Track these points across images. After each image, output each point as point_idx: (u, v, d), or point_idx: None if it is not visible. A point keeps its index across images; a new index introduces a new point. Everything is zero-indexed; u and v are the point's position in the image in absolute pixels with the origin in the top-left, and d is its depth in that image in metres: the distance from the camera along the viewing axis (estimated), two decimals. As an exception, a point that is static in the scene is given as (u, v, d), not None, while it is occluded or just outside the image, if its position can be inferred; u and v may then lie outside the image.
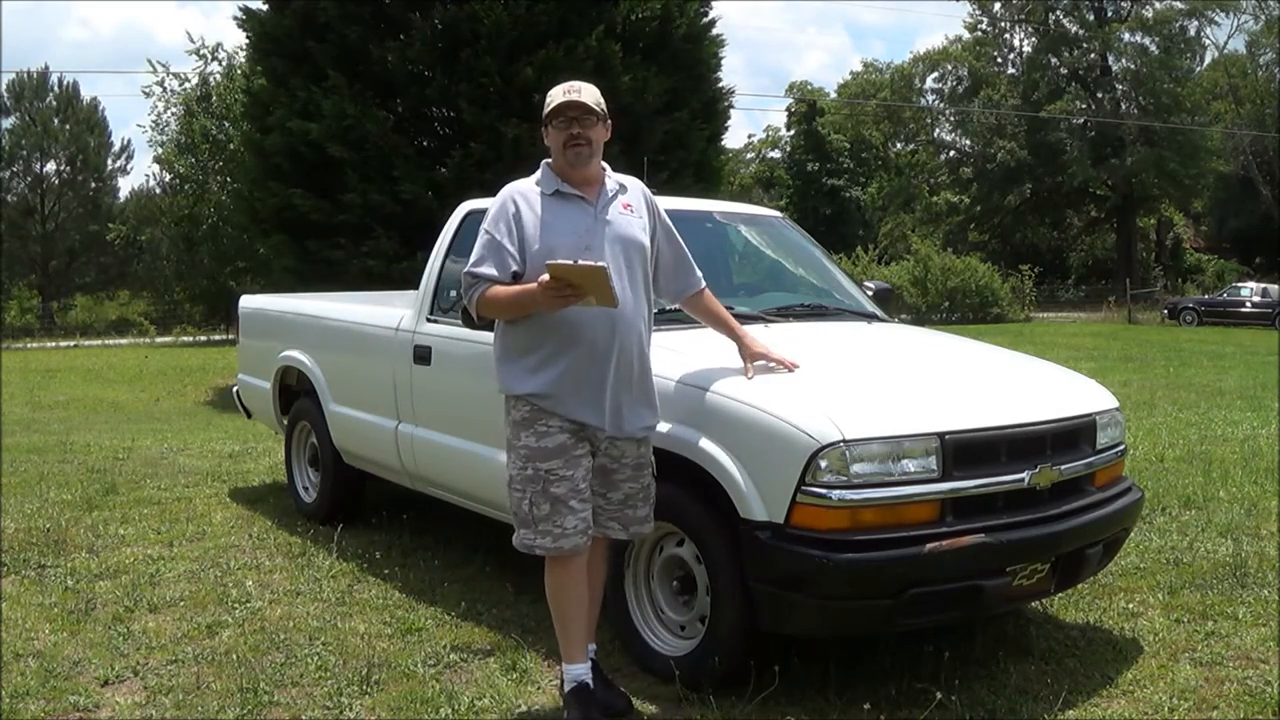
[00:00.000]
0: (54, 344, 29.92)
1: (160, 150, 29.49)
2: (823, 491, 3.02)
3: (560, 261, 2.81)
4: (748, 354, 3.37)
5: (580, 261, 2.81)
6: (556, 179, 3.13)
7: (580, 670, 3.14)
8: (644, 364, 3.14)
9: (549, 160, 3.19)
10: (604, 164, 3.20)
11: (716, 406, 3.28)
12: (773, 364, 3.35)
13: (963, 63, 46.83)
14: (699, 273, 3.41)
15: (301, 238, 12.28)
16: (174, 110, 28.07)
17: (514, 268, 3.03)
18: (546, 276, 2.83)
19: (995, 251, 44.04)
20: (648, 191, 3.30)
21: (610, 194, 3.16)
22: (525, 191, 3.14)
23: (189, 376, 17.63)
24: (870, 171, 52.49)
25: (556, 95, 3.10)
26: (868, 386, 3.45)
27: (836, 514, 3.02)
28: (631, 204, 3.19)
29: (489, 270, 3.03)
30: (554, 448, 3.05)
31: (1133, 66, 43.06)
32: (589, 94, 3.09)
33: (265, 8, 13.02)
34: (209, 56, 26.06)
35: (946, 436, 3.13)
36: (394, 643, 3.83)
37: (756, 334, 3.85)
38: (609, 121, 3.17)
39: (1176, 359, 17.06)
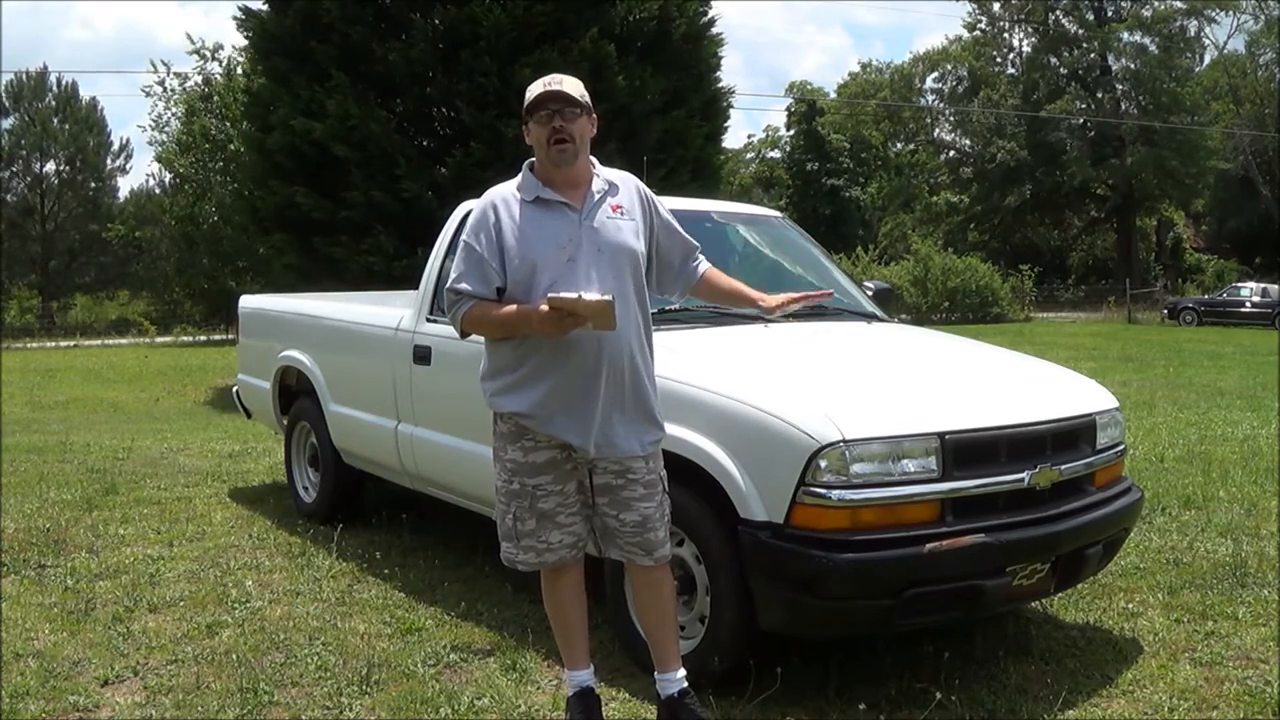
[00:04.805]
0: (54, 344, 29.91)
1: (160, 149, 29.57)
2: (823, 491, 3.01)
3: (563, 295, 2.69)
4: (770, 308, 3.24)
5: (584, 296, 2.68)
6: (538, 184, 2.93)
7: (582, 676, 3.11)
8: (638, 377, 2.94)
9: (531, 161, 2.99)
10: (593, 159, 3.01)
11: (716, 406, 3.27)
12: (797, 305, 3.25)
13: (962, 63, 46.86)
14: (700, 255, 3.23)
15: (303, 235, 12.30)
16: (174, 110, 28.15)
17: (497, 282, 2.88)
18: (545, 307, 2.71)
19: (995, 251, 44.07)
20: (643, 187, 3.09)
21: (598, 196, 2.95)
22: (506, 198, 2.95)
23: (189, 376, 17.62)
24: (870, 171, 52.48)
25: (536, 88, 2.90)
26: (868, 386, 3.46)
27: (836, 514, 3.02)
28: (622, 205, 2.98)
29: (471, 286, 2.88)
30: (543, 463, 2.94)
31: (1132, 66, 43.09)
32: (571, 85, 2.89)
33: (265, 8, 13.03)
34: (209, 56, 26.12)
35: (946, 436, 3.13)
36: (394, 643, 3.83)
37: (757, 332, 3.86)
38: (594, 115, 2.95)
39: (1176, 359, 17.05)
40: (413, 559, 4.84)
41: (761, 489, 3.11)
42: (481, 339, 3.05)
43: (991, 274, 33.40)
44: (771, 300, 3.26)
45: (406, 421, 4.74)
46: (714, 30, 13.55)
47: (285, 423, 5.97)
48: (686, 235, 3.20)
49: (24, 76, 44.48)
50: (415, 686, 3.42)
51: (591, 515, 3.02)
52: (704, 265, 3.24)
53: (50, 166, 44.74)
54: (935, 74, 48.29)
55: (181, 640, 3.86)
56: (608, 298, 2.70)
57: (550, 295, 2.71)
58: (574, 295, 2.70)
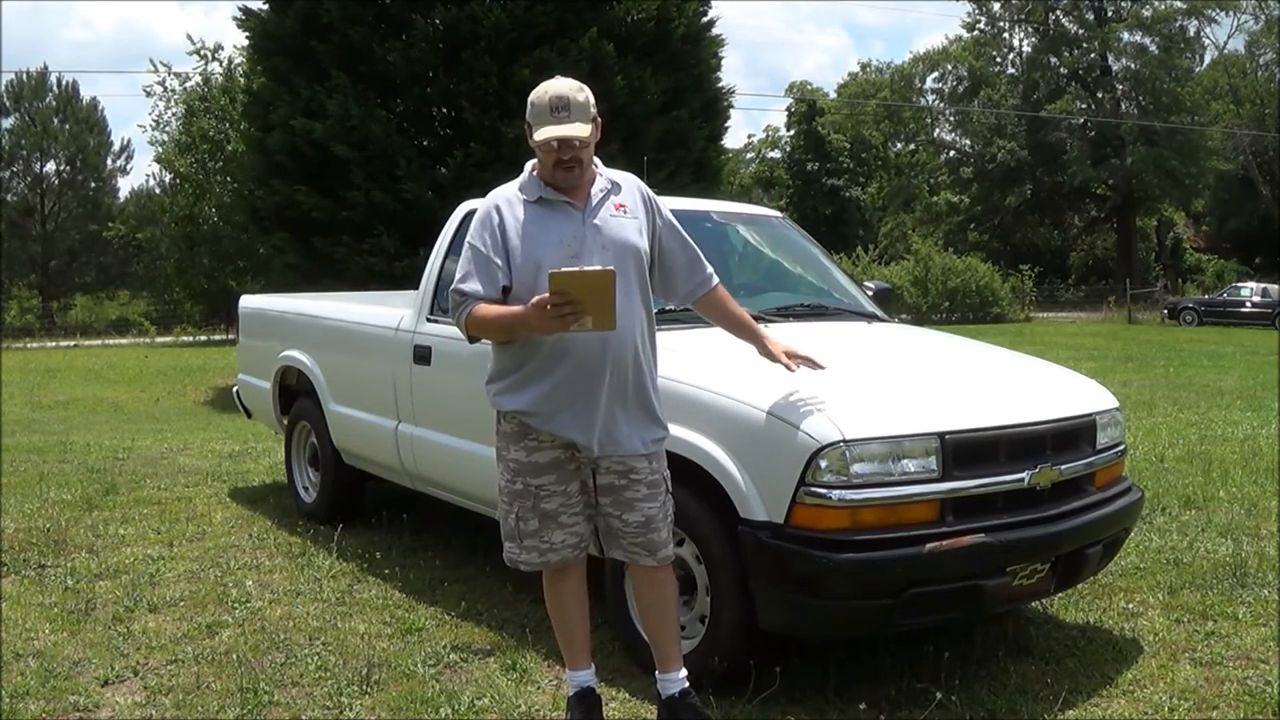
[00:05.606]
0: (54, 344, 29.86)
1: (160, 150, 29.60)
2: (823, 491, 3.02)
3: (564, 269, 2.64)
4: (771, 355, 3.19)
5: (585, 268, 2.66)
6: (540, 184, 2.94)
7: (583, 676, 3.11)
8: (641, 375, 2.94)
9: (533, 162, 2.98)
10: (596, 159, 2.99)
11: (716, 406, 3.27)
12: (800, 362, 3.20)
13: (962, 63, 46.87)
14: (710, 269, 3.20)
15: (304, 235, 12.30)
16: (174, 110, 28.19)
17: (503, 281, 2.87)
18: (546, 293, 2.65)
19: (995, 251, 44.05)
20: (645, 188, 3.08)
21: (600, 195, 2.95)
22: (509, 198, 2.95)
23: (189, 376, 17.61)
24: (870, 171, 52.50)
25: (544, 116, 2.84)
26: (868, 386, 3.45)
27: (837, 514, 3.02)
28: (625, 204, 2.97)
29: (476, 287, 2.86)
30: (546, 463, 2.93)
31: (1133, 66, 43.11)
32: (579, 112, 2.84)
33: (265, 8, 13.03)
34: (209, 56, 26.14)
35: (946, 436, 3.13)
36: (394, 643, 3.84)
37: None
38: (599, 121, 2.93)
39: (1176, 359, 17.06)
40: (413, 559, 4.84)
41: (762, 489, 3.11)
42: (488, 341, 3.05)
43: (991, 274, 33.40)
44: (777, 346, 3.21)
45: (407, 421, 4.74)
46: (714, 30, 13.57)
47: (285, 423, 5.97)
48: (693, 245, 3.17)
49: (24, 76, 44.48)
50: (415, 686, 3.42)
51: (594, 515, 3.02)
52: (714, 282, 3.21)
53: (50, 166, 44.72)
54: (935, 74, 48.35)
55: (181, 640, 3.86)
56: (610, 268, 2.67)
57: (551, 271, 2.64)
58: (575, 268, 2.67)
